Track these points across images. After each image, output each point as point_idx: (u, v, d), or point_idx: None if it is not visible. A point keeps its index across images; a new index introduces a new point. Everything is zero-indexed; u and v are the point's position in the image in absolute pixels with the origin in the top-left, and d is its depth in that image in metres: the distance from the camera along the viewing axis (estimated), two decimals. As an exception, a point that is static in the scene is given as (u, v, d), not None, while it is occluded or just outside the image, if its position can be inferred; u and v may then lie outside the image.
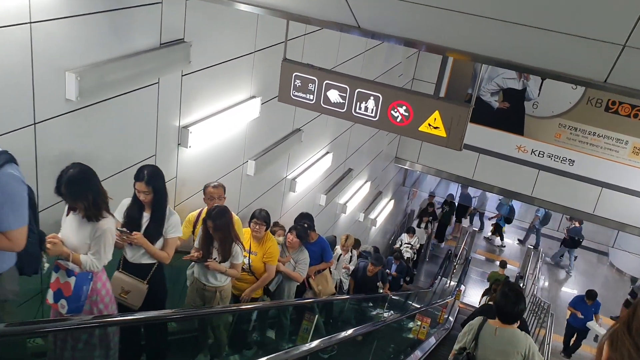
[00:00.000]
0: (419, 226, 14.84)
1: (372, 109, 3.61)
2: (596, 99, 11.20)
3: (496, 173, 12.48)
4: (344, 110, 3.73)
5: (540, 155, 11.96)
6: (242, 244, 4.81)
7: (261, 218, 5.44)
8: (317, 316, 4.96)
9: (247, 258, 5.36)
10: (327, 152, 8.58)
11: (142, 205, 4.13)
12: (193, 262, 4.78)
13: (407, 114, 3.54)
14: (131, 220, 4.13)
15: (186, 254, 4.74)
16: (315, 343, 4.50)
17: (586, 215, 12.21)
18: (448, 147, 3.55)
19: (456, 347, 4.29)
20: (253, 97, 5.84)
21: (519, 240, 17.56)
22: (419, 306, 12.84)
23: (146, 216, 4.14)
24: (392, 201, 14.22)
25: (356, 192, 10.83)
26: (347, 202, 10.46)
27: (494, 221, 17.14)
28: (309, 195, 8.48)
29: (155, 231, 4.12)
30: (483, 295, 12.13)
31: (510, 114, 11.96)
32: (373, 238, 13.60)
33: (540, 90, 11.59)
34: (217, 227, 4.56)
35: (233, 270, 4.75)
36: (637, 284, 14.23)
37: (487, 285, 14.31)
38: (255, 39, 5.65)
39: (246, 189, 6.42)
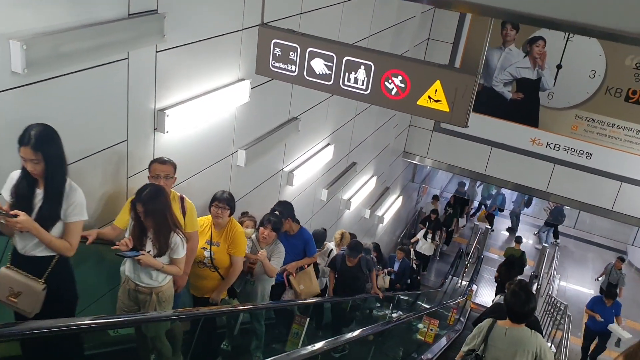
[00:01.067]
0: (425, 238, 13.73)
1: (363, 80, 3.09)
2: (615, 89, 10.61)
3: (509, 167, 11.91)
4: (330, 82, 3.22)
5: (555, 148, 11.39)
6: (183, 234, 3.92)
7: (223, 200, 4.62)
8: (308, 319, 4.45)
9: (208, 250, 4.64)
10: (328, 144, 8.07)
11: (34, 180, 3.22)
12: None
13: (403, 85, 3.02)
14: (20, 199, 3.22)
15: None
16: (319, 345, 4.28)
17: (604, 211, 11.61)
18: (452, 123, 3.03)
19: (464, 349, 4.26)
20: (242, 79, 5.35)
21: (509, 228, 17.33)
22: (428, 307, 12.36)
23: (40, 194, 3.23)
24: (401, 198, 13.68)
25: (361, 188, 10.31)
26: (351, 197, 9.94)
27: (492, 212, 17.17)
28: (308, 190, 7.98)
29: (50, 213, 3.21)
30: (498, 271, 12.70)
31: (524, 105, 11.39)
32: (380, 236, 13.06)
33: (555, 79, 11.00)
34: (149, 212, 3.70)
35: (173, 267, 3.87)
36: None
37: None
38: (244, 15, 5.15)
39: (237, 181, 5.93)
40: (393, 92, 3.04)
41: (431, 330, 7.42)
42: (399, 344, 8.67)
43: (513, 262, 13.79)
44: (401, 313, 10.20)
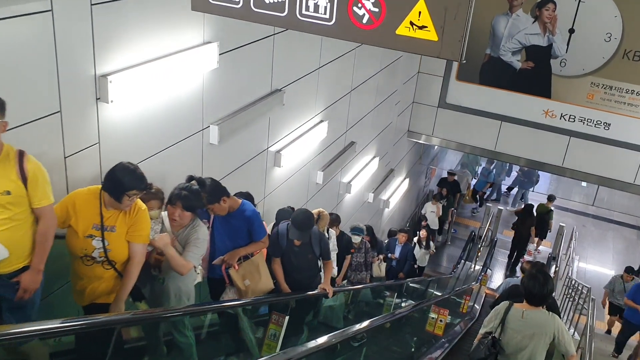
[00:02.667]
0: (418, 245, 11.35)
1: (325, 7, 2.36)
2: (634, 52, 9.78)
3: (521, 142, 11.13)
4: (284, 13, 2.48)
5: (570, 119, 10.59)
6: None
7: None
8: (287, 318, 3.73)
9: (99, 239, 3.36)
10: (321, 121, 7.34)
11: None
12: None
13: (377, 9, 2.28)
14: None
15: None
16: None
17: (625, 185, 10.80)
18: (441, 57, 2.30)
19: (482, 331, 4.26)
20: (208, 42, 4.63)
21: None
22: (439, 294, 11.64)
23: None
24: (407, 180, 12.93)
25: (362, 169, 9.58)
26: (351, 180, 9.22)
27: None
28: (301, 172, 7.26)
29: None
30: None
31: (535, 75, 10.58)
32: (386, 222, 12.34)
33: (568, 45, 10.17)
34: None
35: None
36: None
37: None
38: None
39: (211, 162, 5.23)
40: (364, 20, 2.31)
41: (441, 321, 6.69)
42: (415, 332, 8.04)
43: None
44: (412, 302, 9.53)
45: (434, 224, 13.09)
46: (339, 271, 7.06)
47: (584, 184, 17.01)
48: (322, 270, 5.24)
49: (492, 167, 16.18)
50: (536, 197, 16.66)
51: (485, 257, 13.31)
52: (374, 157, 10.07)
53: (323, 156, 7.82)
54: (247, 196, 5.56)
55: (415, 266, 10.72)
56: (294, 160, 6.88)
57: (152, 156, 4.42)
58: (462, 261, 13.16)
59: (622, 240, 15.05)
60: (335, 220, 6.98)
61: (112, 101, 3.76)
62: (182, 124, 4.73)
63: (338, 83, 7.70)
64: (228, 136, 5.26)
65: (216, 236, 4.49)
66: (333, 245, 6.56)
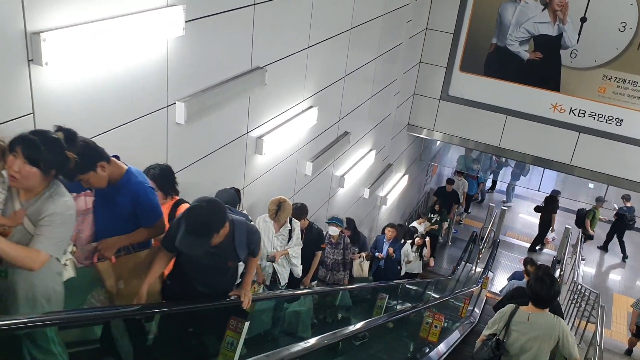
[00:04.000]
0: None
1: None
2: (650, 43, 9.18)
3: (527, 138, 10.55)
4: None
5: (580, 114, 10.00)
6: None
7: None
8: (247, 324, 3.14)
9: None
10: (311, 107, 6.75)
11: None
12: None
13: None
14: None
15: None
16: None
17: (636, 184, 10.22)
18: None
19: (486, 332, 4.27)
20: (171, 5, 4.04)
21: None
22: (437, 297, 11.04)
23: None
24: (407, 177, 12.33)
25: (357, 163, 8.99)
26: (345, 174, 8.63)
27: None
28: (287, 162, 6.67)
29: None
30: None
31: (543, 66, 10.02)
32: (384, 220, 11.74)
33: (579, 35, 9.60)
34: None
35: None
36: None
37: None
38: None
39: (177, 144, 4.64)
40: None
41: (435, 327, 6.10)
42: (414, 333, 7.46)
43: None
44: (409, 304, 8.95)
45: (417, 268, 10.31)
46: (306, 270, 6.25)
47: (591, 185, 16.40)
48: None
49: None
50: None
51: (487, 259, 12.71)
52: (370, 150, 9.47)
53: (313, 146, 7.23)
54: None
55: (402, 271, 9.22)
56: (279, 148, 6.30)
57: (103, 133, 3.83)
58: (463, 262, 12.56)
59: (632, 245, 14.38)
60: (300, 210, 6.20)
61: (46, 63, 3.17)
62: (142, 98, 4.14)
63: (330, 66, 7.11)
64: (198, 116, 4.67)
65: (97, 217, 3.33)
66: (297, 239, 5.87)
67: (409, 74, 10.34)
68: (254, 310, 4.14)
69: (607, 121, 9.85)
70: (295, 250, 5.76)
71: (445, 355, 7.29)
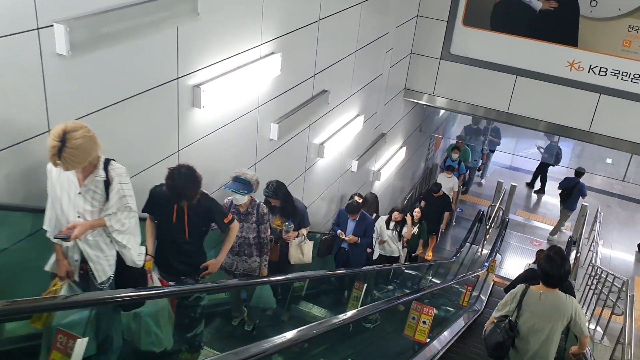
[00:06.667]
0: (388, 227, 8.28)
1: None
2: (684, -14, 7.81)
3: (540, 102, 9.25)
4: None
5: (602, 73, 8.67)
6: None
7: None
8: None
9: None
10: (272, 53, 5.48)
11: None
12: None
13: None
14: None
15: None
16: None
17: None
18: None
19: (496, 314, 4.25)
20: None
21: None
22: (438, 282, 9.83)
23: None
24: (404, 149, 11.04)
25: (341, 129, 7.73)
26: (325, 141, 7.38)
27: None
28: (243, 121, 5.42)
29: None
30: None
31: (558, 18, 8.69)
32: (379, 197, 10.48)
33: (601, -21, 8.21)
34: None
35: None
36: None
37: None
38: None
39: (61, 85, 3.42)
40: None
41: (424, 323, 4.87)
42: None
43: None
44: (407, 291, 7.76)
45: (396, 251, 8.42)
46: None
47: (609, 160, 15.05)
48: None
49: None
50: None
51: (494, 240, 11.46)
52: (358, 115, 8.19)
53: (279, 104, 5.97)
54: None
55: (375, 254, 7.69)
56: (228, 101, 5.05)
57: None
58: (468, 244, 11.32)
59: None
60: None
61: None
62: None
63: (299, 4, 5.83)
64: (92, 45, 3.43)
65: None
66: (122, 198, 3.74)
67: (404, 30, 9.02)
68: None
69: (633, 80, 8.51)
70: (120, 219, 3.34)
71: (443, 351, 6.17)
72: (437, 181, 11.14)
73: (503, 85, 9.30)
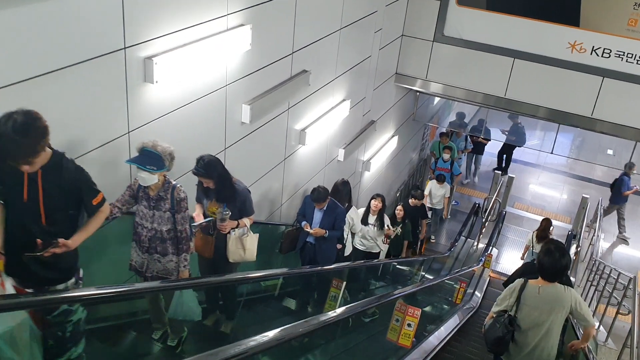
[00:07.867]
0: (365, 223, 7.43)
1: None
2: (695, -41, 7.25)
3: (539, 87, 8.71)
4: None
5: (605, 54, 8.14)
6: None
7: None
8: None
9: None
10: (241, 25, 4.92)
11: None
12: None
13: None
14: None
15: None
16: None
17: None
18: None
19: (495, 309, 4.24)
20: None
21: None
22: (431, 278, 9.31)
23: None
24: (396, 139, 10.48)
25: (325, 115, 7.17)
26: (307, 127, 6.82)
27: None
28: (208, 100, 4.85)
29: None
30: None
31: (559, -5, 8.09)
32: (368, 190, 9.93)
33: (605, -48, 7.64)
34: None
35: None
36: None
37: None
38: None
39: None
40: None
41: (409, 325, 4.34)
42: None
43: None
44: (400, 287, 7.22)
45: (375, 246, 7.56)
46: None
47: (610, 151, 14.53)
48: None
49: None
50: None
51: (490, 233, 10.93)
52: (343, 100, 7.63)
53: (251, 83, 5.41)
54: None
55: (347, 250, 6.84)
56: (187, 78, 4.49)
57: None
58: (463, 238, 10.80)
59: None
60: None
61: None
62: None
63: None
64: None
65: None
66: None
67: (394, 9, 8.45)
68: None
69: (639, 62, 7.94)
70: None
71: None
72: (431, 190, 10.64)
73: (499, 69, 8.75)
